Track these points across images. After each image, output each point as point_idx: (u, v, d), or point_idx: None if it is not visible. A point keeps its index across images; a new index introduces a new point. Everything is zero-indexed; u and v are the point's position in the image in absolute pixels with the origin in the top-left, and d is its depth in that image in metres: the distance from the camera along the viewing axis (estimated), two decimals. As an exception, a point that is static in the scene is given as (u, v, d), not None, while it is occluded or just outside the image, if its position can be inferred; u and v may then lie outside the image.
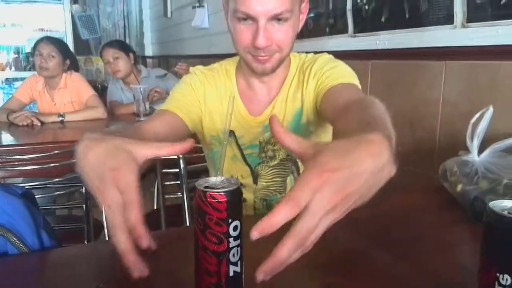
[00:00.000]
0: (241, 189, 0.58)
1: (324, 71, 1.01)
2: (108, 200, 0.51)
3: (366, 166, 0.45)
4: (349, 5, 1.65)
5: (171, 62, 3.56)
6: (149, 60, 5.06)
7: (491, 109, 1.06)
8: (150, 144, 0.58)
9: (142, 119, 2.44)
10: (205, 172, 1.37)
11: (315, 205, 0.43)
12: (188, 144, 0.57)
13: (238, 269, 0.60)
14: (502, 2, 1.07)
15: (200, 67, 1.13)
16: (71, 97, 2.54)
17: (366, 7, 1.56)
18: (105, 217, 0.52)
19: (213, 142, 1.12)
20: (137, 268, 0.50)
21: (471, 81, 1.21)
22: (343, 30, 1.70)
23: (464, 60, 1.22)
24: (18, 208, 0.79)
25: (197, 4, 3.22)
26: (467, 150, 1.09)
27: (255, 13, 0.88)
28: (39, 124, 2.25)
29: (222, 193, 0.56)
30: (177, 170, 1.60)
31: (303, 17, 0.99)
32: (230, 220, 0.57)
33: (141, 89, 2.43)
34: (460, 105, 1.25)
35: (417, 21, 1.36)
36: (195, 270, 0.60)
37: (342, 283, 0.67)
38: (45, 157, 1.62)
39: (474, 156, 1.03)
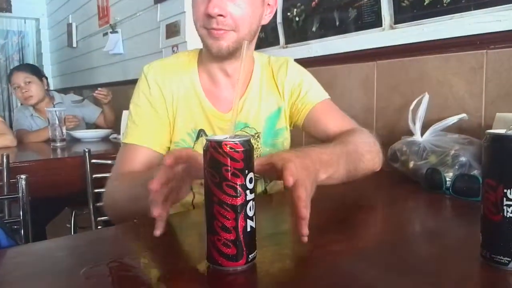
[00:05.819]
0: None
1: (300, 88, 1.07)
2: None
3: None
4: (279, 19, 1.74)
5: (85, 93, 3.38)
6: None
7: (427, 95, 1.19)
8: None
9: (58, 144, 2.25)
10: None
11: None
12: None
13: (253, 224, 0.58)
14: (425, 3, 1.21)
15: (154, 65, 1.04)
16: (-29, 125, 2.27)
17: (297, 18, 1.65)
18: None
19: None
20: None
21: (402, 76, 1.33)
22: (274, 43, 1.78)
23: (394, 58, 1.35)
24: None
25: (110, 30, 3.13)
26: (407, 135, 1.20)
27: None
28: None
29: (238, 143, 0.55)
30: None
31: (272, 11, 1.00)
32: (246, 171, 0.56)
33: (57, 112, 2.26)
34: (393, 99, 1.37)
35: (348, 27, 1.47)
36: (208, 229, 0.57)
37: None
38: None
39: (418, 137, 1.13)
